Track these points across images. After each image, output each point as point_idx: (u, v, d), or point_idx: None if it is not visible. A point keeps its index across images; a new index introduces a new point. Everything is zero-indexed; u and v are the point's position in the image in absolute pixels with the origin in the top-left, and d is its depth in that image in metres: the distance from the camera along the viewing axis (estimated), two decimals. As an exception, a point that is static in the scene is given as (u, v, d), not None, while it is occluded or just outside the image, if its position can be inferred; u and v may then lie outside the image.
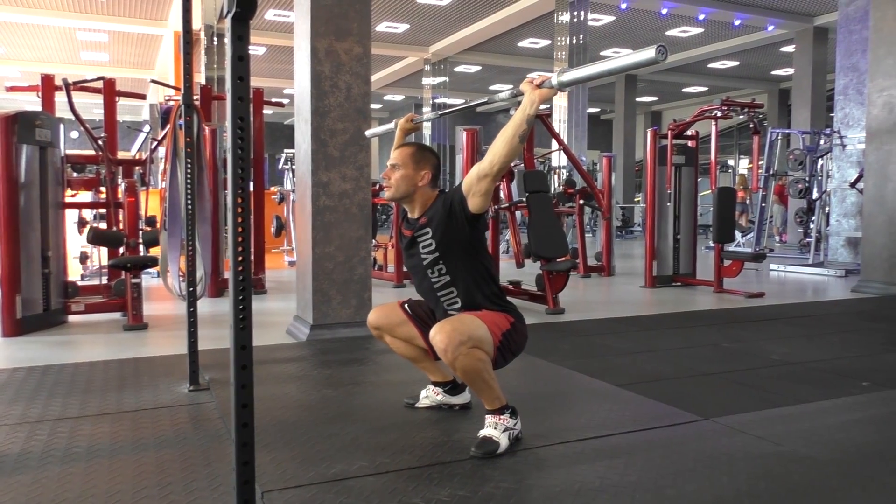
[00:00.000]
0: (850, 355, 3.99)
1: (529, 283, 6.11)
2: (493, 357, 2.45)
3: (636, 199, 19.29)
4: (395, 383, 3.31)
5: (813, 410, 2.92)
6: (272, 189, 13.46)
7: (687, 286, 7.29)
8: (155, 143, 6.48)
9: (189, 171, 3.26)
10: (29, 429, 2.69)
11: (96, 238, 4.89)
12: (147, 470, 2.29)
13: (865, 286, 6.79)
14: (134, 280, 4.82)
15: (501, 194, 6.65)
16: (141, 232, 5.23)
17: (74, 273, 6.33)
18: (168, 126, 3.05)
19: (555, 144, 8.05)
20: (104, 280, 6.25)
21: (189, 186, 3.27)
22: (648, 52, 1.77)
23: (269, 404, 3.00)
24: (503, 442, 2.43)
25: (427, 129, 19.03)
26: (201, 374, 3.41)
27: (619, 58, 1.88)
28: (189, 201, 3.27)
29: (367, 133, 3.17)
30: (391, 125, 3.39)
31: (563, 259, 5.70)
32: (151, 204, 7.18)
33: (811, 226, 10.05)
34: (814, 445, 2.49)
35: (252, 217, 3.24)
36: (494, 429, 2.45)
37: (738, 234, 10.70)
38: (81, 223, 8.32)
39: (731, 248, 6.85)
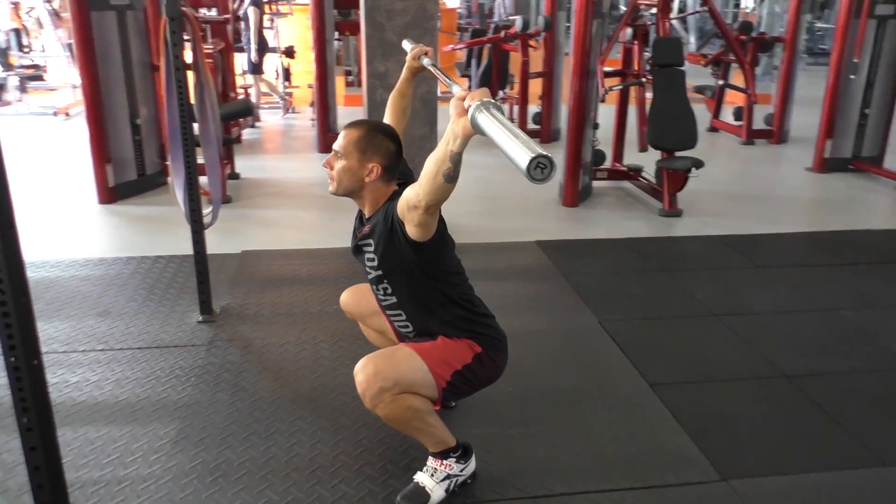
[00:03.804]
0: None
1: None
2: (440, 397, 2.02)
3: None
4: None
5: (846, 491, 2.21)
6: None
7: (865, 175, 5.94)
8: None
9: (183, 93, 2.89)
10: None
11: (227, 116, 4.84)
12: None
13: None
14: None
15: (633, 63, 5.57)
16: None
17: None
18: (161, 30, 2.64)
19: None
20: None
21: (184, 112, 2.92)
22: (522, 158, 1.22)
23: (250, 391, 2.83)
24: (436, 494, 2.06)
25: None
26: (214, 301, 3.30)
27: (510, 140, 1.29)
28: (184, 129, 2.94)
29: (405, 44, 2.51)
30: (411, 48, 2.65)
31: (684, 156, 4.76)
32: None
33: None
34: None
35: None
36: (430, 477, 2.08)
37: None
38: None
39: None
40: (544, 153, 1.20)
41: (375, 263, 2.03)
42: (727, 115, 7.74)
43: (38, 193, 5.23)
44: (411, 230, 1.84)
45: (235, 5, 5.73)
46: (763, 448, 2.37)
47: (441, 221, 1.96)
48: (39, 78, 10.14)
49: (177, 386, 2.67)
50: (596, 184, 5.46)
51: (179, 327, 3.12)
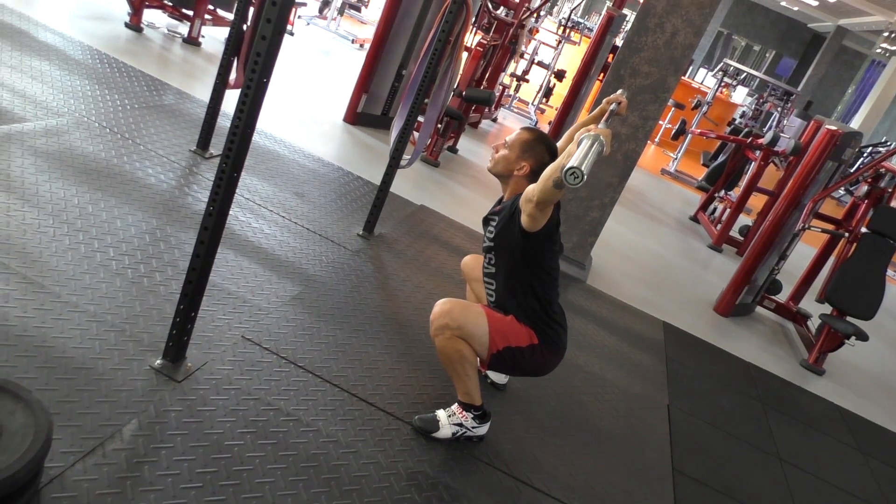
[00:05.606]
0: None
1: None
2: (486, 361, 2.43)
3: None
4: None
5: None
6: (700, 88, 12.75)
7: None
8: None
9: (435, 59, 3.52)
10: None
11: (469, 98, 5.62)
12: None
13: None
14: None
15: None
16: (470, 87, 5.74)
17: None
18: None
19: None
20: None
21: (427, 73, 3.54)
22: (571, 162, 1.80)
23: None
24: (444, 432, 2.48)
25: None
26: (378, 227, 3.92)
27: (580, 153, 1.83)
28: (421, 86, 3.57)
29: (619, 91, 2.99)
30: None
31: (852, 323, 4.65)
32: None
33: None
34: None
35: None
36: (448, 417, 2.50)
37: None
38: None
39: None
40: (583, 170, 1.66)
41: (492, 236, 2.49)
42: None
43: (306, 94, 6.28)
44: (523, 219, 2.28)
45: (525, 16, 6.38)
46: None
47: (554, 225, 2.38)
48: (358, 9, 11.68)
49: (316, 266, 3.32)
50: (760, 310, 5.45)
51: (342, 230, 3.79)
